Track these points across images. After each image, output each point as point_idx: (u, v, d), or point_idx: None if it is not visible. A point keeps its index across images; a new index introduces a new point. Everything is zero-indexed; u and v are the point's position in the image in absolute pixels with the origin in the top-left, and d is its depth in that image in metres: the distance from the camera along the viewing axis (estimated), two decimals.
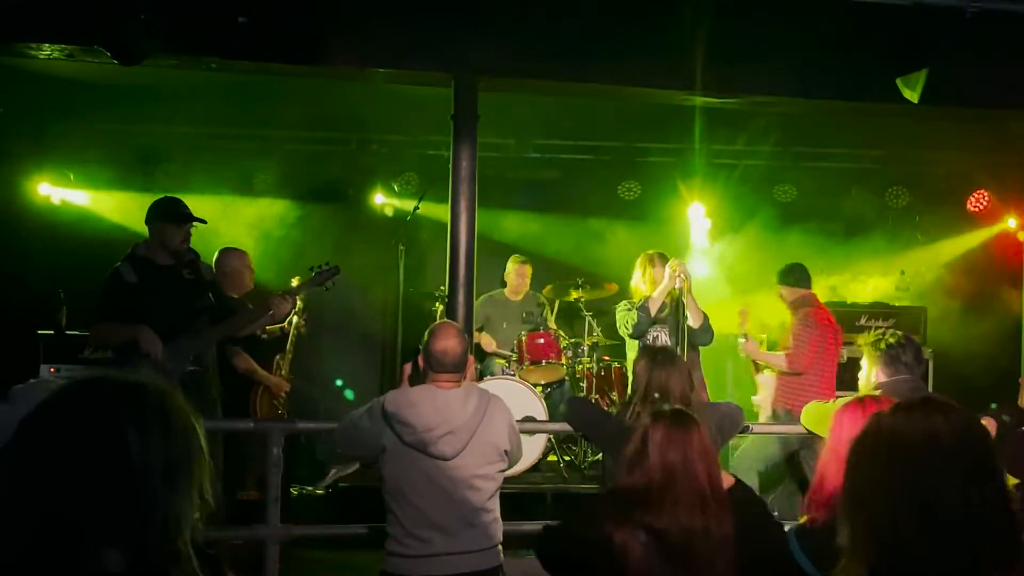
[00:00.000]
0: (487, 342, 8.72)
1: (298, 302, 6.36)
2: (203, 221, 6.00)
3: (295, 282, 6.57)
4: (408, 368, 4.38)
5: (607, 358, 8.80)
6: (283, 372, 7.01)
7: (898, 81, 5.88)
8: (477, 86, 6.03)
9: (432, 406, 4.03)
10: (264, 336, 6.99)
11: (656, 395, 4.26)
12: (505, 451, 4.22)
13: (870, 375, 4.60)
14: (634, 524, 2.98)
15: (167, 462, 1.66)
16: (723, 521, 2.95)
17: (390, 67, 6.01)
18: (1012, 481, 4.55)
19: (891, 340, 4.68)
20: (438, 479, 4.01)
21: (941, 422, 1.82)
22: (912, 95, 5.80)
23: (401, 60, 5.97)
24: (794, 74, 6.38)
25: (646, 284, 7.01)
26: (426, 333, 4.26)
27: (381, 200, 9.96)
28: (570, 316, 9.43)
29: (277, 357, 7.02)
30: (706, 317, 6.74)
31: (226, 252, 7.05)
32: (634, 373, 4.47)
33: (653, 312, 6.70)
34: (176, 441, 1.69)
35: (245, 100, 8.44)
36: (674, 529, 2.92)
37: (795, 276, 7.14)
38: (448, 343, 4.15)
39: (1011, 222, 9.76)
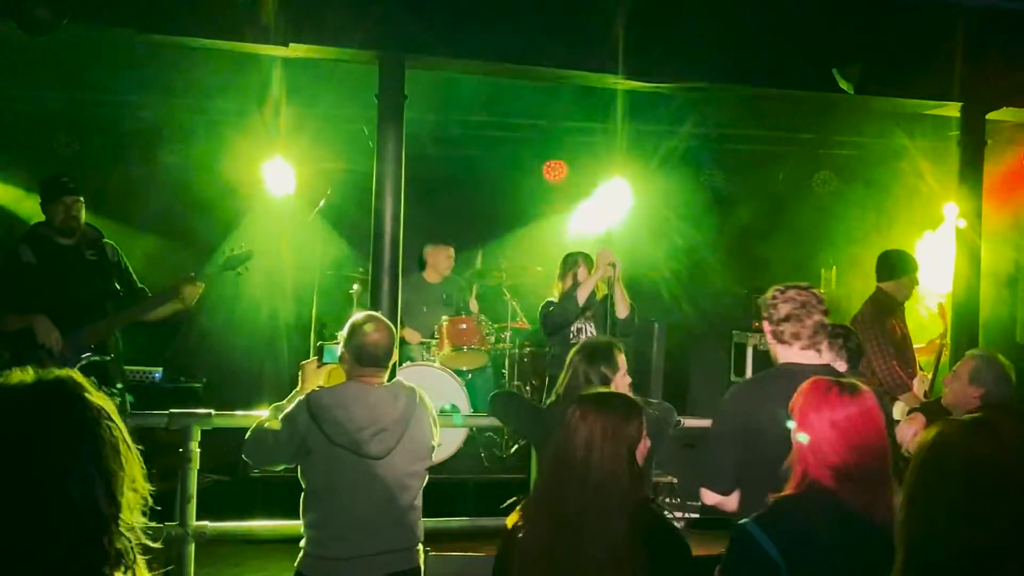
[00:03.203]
0: (411, 336, 8.70)
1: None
2: (79, 194, 5.84)
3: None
4: (311, 364, 4.35)
5: (529, 344, 8.89)
6: None
7: (834, 72, 6.03)
8: (404, 65, 6.00)
9: (362, 405, 4.03)
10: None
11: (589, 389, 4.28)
12: (431, 447, 4.26)
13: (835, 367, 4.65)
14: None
15: (99, 466, 1.66)
16: (612, 517, 2.88)
17: (313, 44, 5.95)
18: None
19: (849, 332, 4.79)
20: (368, 480, 4.02)
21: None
22: (847, 86, 5.97)
23: (326, 38, 5.91)
24: (720, 60, 6.48)
25: (569, 284, 7.08)
26: (349, 326, 4.23)
27: (294, 177, 9.82)
28: (493, 300, 9.46)
29: None
30: (633, 308, 6.82)
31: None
32: (569, 366, 4.48)
33: (582, 301, 6.75)
34: (101, 442, 1.68)
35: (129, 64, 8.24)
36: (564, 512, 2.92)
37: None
38: (378, 336, 4.15)
39: (948, 209, 10.02)
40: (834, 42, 6.25)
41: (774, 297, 4.08)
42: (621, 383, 4.37)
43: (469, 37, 6.10)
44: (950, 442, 1.92)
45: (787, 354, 4.05)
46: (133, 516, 1.73)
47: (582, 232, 9.60)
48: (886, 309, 6.69)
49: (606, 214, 9.35)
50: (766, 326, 4.09)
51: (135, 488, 1.73)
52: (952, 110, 7.05)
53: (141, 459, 1.76)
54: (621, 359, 4.44)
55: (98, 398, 1.73)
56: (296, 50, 5.97)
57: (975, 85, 6.59)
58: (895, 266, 6.82)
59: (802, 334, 4.01)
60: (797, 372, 3.85)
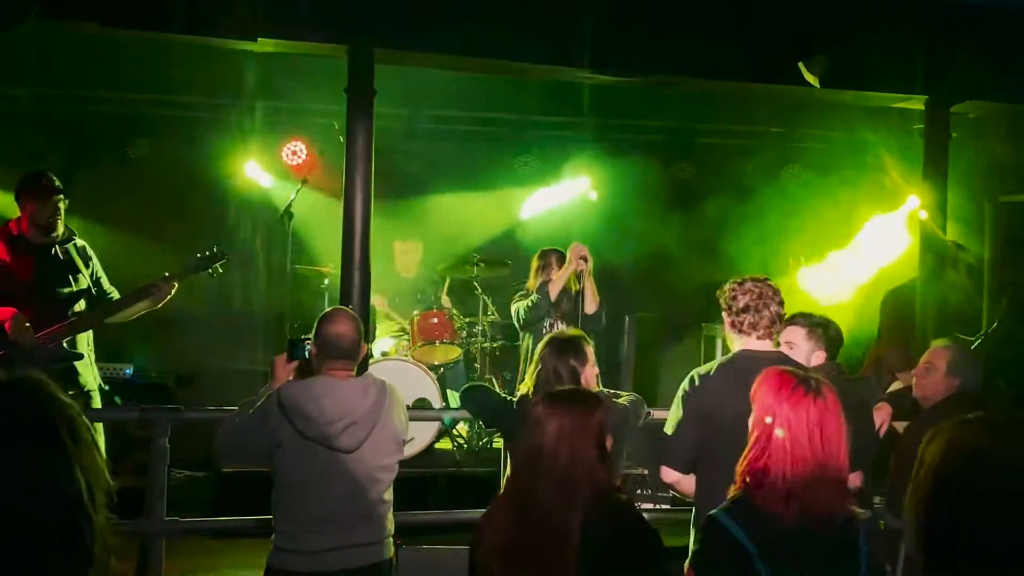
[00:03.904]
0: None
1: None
2: (62, 193, 5.85)
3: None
4: (282, 360, 4.38)
5: (501, 338, 8.93)
6: None
7: (800, 65, 6.10)
8: (373, 58, 6.01)
9: (333, 398, 4.05)
10: None
11: (558, 382, 4.34)
12: (403, 441, 4.29)
13: (810, 359, 4.68)
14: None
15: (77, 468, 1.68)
16: (579, 508, 2.92)
17: (282, 38, 5.95)
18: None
19: (828, 322, 4.83)
20: (339, 473, 4.04)
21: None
22: (813, 80, 6.04)
23: (293, 30, 5.92)
24: (687, 54, 6.53)
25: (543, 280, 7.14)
26: (317, 321, 4.27)
27: (264, 171, 9.81)
28: (464, 294, 9.49)
29: None
30: (602, 304, 6.88)
31: None
32: (538, 360, 4.54)
33: (553, 296, 6.81)
34: (79, 442, 1.71)
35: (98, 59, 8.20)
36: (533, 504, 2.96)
37: None
38: (341, 327, 4.18)
39: (910, 201, 10.12)
40: (800, 36, 6.32)
41: (733, 289, 4.28)
42: (590, 374, 4.45)
43: (438, 31, 6.12)
44: (977, 450, 1.93)
45: (745, 343, 4.24)
46: (102, 514, 1.75)
47: (549, 225, 9.66)
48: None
49: (568, 207, 9.43)
50: (725, 316, 4.26)
51: (102, 487, 1.75)
52: (917, 103, 7.15)
53: (106, 458, 1.79)
54: (589, 351, 4.52)
55: (67, 397, 1.75)
56: (265, 44, 5.97)
57: (939, 79, 6.68)
58: None
59: (759, 324, 4.20)
60: (755, 360, 4.06)
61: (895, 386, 6.12)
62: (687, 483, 4.22)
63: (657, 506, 6.92)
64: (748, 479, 3.03)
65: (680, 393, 4.30)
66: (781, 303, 4.28)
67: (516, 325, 7.31)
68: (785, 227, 10.24)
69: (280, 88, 9.30)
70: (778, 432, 3.03)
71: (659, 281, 9.60)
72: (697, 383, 4.26)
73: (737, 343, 4.29)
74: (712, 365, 4.35)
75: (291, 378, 4.30)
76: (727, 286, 4.32)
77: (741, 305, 4.22)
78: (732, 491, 3.08)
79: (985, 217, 9.73)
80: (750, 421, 3.14)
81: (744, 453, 3.10)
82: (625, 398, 4.72)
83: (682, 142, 10.51)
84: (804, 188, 10.56)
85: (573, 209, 9.93)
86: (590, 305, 6.78)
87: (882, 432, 5.04)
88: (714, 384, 4.18)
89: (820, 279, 9.35)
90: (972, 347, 7.31)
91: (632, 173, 9.77)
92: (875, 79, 6.71)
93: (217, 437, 4.22)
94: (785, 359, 4.27)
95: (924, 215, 7.06)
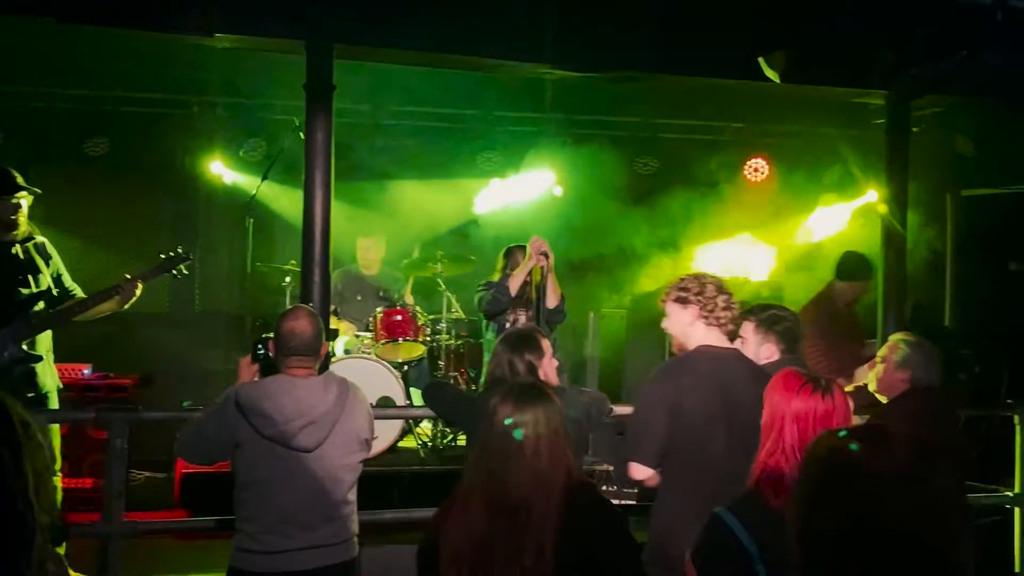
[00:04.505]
0: (346, 327, 8.71)
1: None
2: (25, 190, 5.80)
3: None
4: (246, 360, 4.37)
5: (465, 334, 8.94)
6: None
7: (760, 60, 6.15)
8: (332, 54, 5.99)
9: (291, 397, 4.04)
10: None
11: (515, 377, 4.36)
12: (366, 440, 4.29)
13: (759, 352, 4.70)
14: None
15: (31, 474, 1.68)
16: (549, 506, 2.94)
17: (238, 33, 5.91)
18: None
19: (782, 313, 4.79)
20: (299, 472, 4.03)
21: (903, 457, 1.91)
22: (773, 75, 6.09)
23: (251, 27, 5.88)
24: (648, 49, 6.55)
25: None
26: (276, 318, 4.28)
27: (223, 169, 9.77)
28: (428, 291, 9.49)
29: None
30: (563, 298, 6.92)
31: None
32: (493, 355, 4.57)
33: (513, 291, 6.85)
34: (33, 448, 1.71)
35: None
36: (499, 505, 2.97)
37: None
38: (298, 323, 4.17)
39: (872, 195, 10.23)
40: (760, 31, 6.36)
41: (702, 282, 4.28)
42: (548, 367, 4.47)
43: (399, 26, 6.09)
44: (841, 457, 1.95)
45: (706, 337, 4.26)
46: (51, 517, 1.75)
47: (513, 221, 9.68)
48: (830, 304, 6.91)
49: (532, 203, 9.44)
50: (695, 310, 4.25)
51: (49, 492, 1.76)
52: (877, 98, 7.22)
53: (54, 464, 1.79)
54: (545, 344, 4.54)
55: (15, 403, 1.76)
56: (222, 40, 5.93)
57: (900, 73, 6.74)
58: (853, 270, 7.07)
59: (725, 318, 4.26)
60: (717, 357, 4.17)
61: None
62: (655, 477, 4.23)
63: (622, 502, 6.95)
64: (760, 478, 3.05)
65: (645, 388, 4.33)
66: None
67: (481, 314, 7.35)
68: (750, 222, 10.34)
69: (241, 84, 9.26)
70: (787, 430, 3.06)
71: (623, 277, 9.64)
72: (662, 377, 4.30)
73: (699, 337, 4.29)
74: (675, 361, 4.38)
75: (255, 378, 4.31)
76: (697, 281, 4.34)
77: (722, 303, 4.26)
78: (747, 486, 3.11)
79: (947, 210, 9.84)
80: (762, 420, 3.17)
81: (758, 452, 3.12)
82: (589, 395, 4.76)
83: (645, 137, 10.56)
84: (769, 182, 10.66)
85: (537, 205, 9.94)
86: (551, 299, 6.82)
87: None
88: (678, 380, 4.20)
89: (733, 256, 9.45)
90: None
91: (596, 168, 9.79)
92: (835, 74, 6.76)
93: (179, 438, 4.25)
94: (741, 355, 4.35)
95: (883, 209, 7.13)
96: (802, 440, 2.98)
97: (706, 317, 4.26)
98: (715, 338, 4.27)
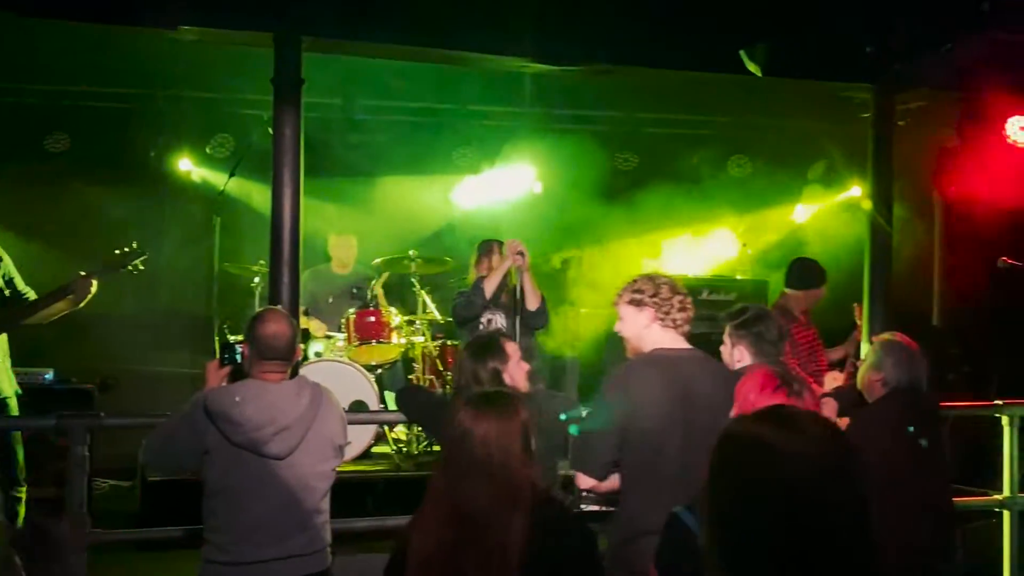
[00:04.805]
0: (316, 327, 8.69)
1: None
2: None
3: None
4: (214, 365, 4.34)
5: (442, 336, 8.91)
6: None
7: (741, 53, 6.16)
8: (300, 47, 5.96)
9: (262, 402, 4.01)
10: None
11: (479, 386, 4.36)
12: (340, 446, 4.27)
13: (732, 354, 4.72)
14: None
15: None
16: (512, 518, 2.93)
17: (203, 26, 5.87)
18: None
19: (754, 316, 4.79)
20: (271, 480, 4.01)
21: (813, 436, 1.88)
22: (755, 68, 6.10)
23: (216, 19, 5.84)
24: (628, 42, 6.56)
25: (484, 271, 7.16)
26: (249, 320, 4.25)
27: (189, 165, 9.71)
28: (403, 292, 9.46)
29: None
30: (543, 300, 6.91)
31: None
32: (457, 363, 4.58)
33: (488, 293, 6.84)
34: None
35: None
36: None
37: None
38: (278, 327, 4.15)
39: (855, 190, 10.27)
40: (742, 23, 6.38)
41: (657, 284, 4.32)
42: (516, 372, 4.46)
43: (370, 17, 6.08)
44: (749, 440, 1.91)
45: (663, 339, 4.29)
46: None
47: (490, 218, 9.67)
48: (788, 314, 6.92)
49: (510, 200, 9.42)
50: (651, 311, 4.27)
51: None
52: (864, 92, 7.24)
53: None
54: (511, 347, 4.54)
55: None
56: (186, 33, 5.89)
57: (885, 67, 6.77)
58: (805, 278, 7.07)
59: (681, 320, 4.29)
60: (676, 359, 4.21)
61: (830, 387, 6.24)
62: (604, 486, 4.26)
63: (603, 508, 6.93)
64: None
65: (601, 394, 4.34)
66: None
67: (455, 322, 7.33)
68: (733, 218, 10.35)
69: (207, 78, 9.20)
70: None
71: (605, 276, 9.62)
72: (619, 381, 4.30)
73: (654, 339, 4.31)
74: (630, 365, 4.38)
75: (224, 383, 4.28)
76: (643, 279, 4.38)
77: (678, 304, 4.28)
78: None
79: (935, 206, 9.89)
80: (731, 416, 3.17)
81: None
82: (561, 399, 4.76)
83: (626, 132, 10.56)
84: (752, 177, 10.68)
85: (514, 202, 9.92)
86: (531, 301, 6.80)
87: None
88: (633, 385, 4.21)
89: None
90: None
91: (575, 164, 9.79)
92: (819, 67, 6.79)
93: (146, 445, 4.21)
94: (700, 356, 4.36)
95: (868, 204, 7.15)
96: None
97: (662, 319, 4.29)
98: (671, 340, 4.29)
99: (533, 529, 2.93)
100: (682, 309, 4.29)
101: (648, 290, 4.30)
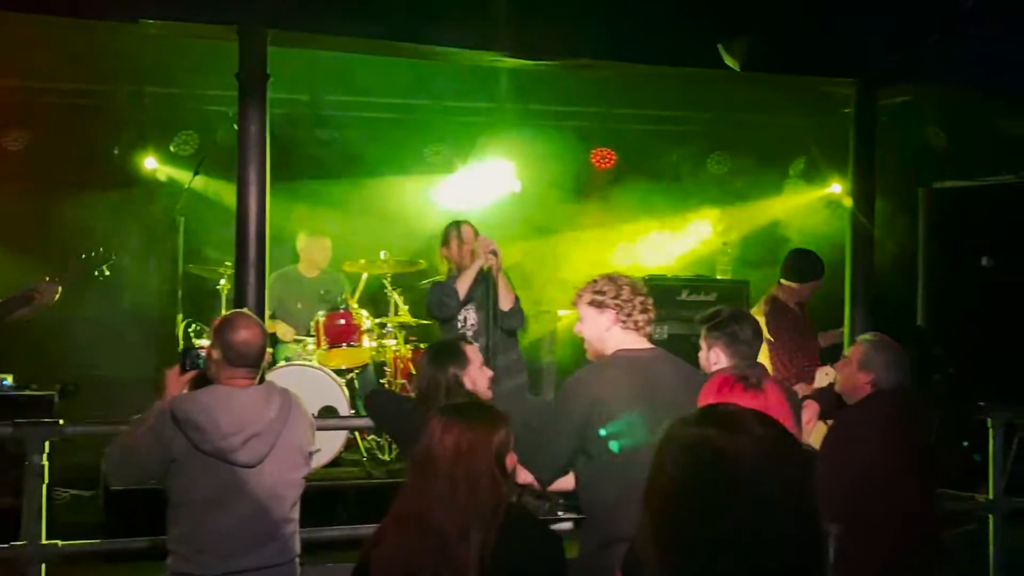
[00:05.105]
0: (284, 331, 8.65)
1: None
2: None
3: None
4: (173, 372, 4.30)
5: (414, 339, 8.89)
6: None
7: (720, 48, 6.17)
8: (266, 41, 5.93)
9: (231, 409, 3.98)
10: None
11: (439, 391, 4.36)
12: (309, 453, 4.26)
13: (708, 357, 4.69)
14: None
15: None
16: (476, 533, 2.92)
17: (166, 19, 5.83)
18: None
19: (727, 316, 4.75)
20: (240, 489, 3.98)
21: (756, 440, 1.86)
22: (733, 63, 6.12)
23: (178, 11, 5.80)
24: (608, 37, 6.57)
25: (451, 257, 7.13)
26: (217, 325, 4.21)
27: (154, 164, 9.65)
28: (374, 294, 9.43)
29: None
30: (517, 299, 6.90)
31: None
32: (418, 369, 4.57)
33: (462, 295, 6.82)
34: None
35: None
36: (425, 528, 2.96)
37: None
38: (250, 334, 4.12)
39: (835, 187, 10.32)
40: (721, 17, 6.39)
41: (618, 284, 4.33)
42: (478, 377, 4.47)
43: (337, 11, 6.05)
44: (689, 440, 1.90)
45: (624, 340, 4.29)
46: None
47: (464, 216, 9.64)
48: (783, 307, 6.95)
49: (485, 197, 9.40)
50: (611, 313, 4.29)
51: None
52: (844, 87, 7.27)
53: None
54: (471, 351, 4.55)
55: None
56: (148, 26, 5.84)
57: (867, 62, 6.80)
58: (804, 269, 7.09)
59: (643, 321, 4.31)
60: (638, 360, 4.23)
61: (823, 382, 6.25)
62: (556, 485, 4.31)
63: (580, 515, 6.93)
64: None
65: (562, 397, 4.37)
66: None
67: (430, 315, 7.29)
68: (713, 215, 10.39)
69: (171, 72, 9.14)
70: None
71: (581, 276, 9.64)
72: (579, 384, 4.31)
73: (617, 341, 4.31)
74: (590, 368, 4.39)
75: (185, 391, 4.24)
76: (604, 279, 4.37)
77: (639, 305, 4.30)
78: None
79: (919, 203, 9.96)
80: None
81: None
82: (533, 402, 4.76)
83: (605, 128, 10.56)
84: (732, 174, 10.72)
85: (491, 200, 9.90)
86: (505, 301, 6.79)
87: (808, 429, 5.12)
88: (597, 384, 4.22)
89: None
90: None
91: (552, 162, 9.79)
92: (800, 62, 6.82)
93: (108, 456, 4.17)
94: (664, 356, 4.38)
95: (850, 201, 7.19)
96: None
97: (624, 321, 4.30)
98: (633, 341, 4.30)
99: (500, 541, 2.92)
100: (644, 310, 4.30)
101: (610, 291, 4.30)
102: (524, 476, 4.23)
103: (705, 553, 1.79)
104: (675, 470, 1.89)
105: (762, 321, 6.71)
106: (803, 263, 7.15)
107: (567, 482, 4.28)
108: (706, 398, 3.13)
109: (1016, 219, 9.02)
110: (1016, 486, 6.90)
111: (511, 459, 3.10)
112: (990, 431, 6.77)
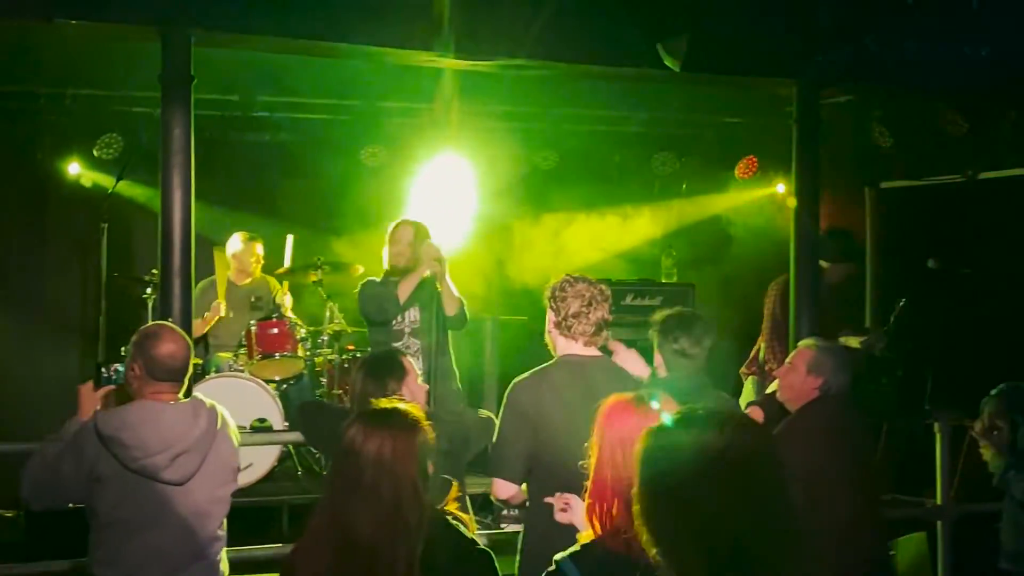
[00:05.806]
0: (198, 326, 8.56)
1: None
2: None
3: None
4: (87, 388, 4.27)
5: (352, 347, 8.87)
6: None
7: (659, 47, 6.23)
8: (190, 42, 5.90)
9: (158, 425, 3.97)
10: None
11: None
12: (236, 469, 4.26)
13: (656, 359, 4.80)
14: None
15: None
16: (408, 539, 2.91)
17: (80, 19, 5.76)
18: None
19: (673, 324, 4.82)
20: (167, 508, 3.98)
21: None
22: (673, 63, 6.19)
23: (95, 11, 5.74)
24: (543, 36, 6.59)
25: (392, 257, 7.14)
26: (138, 337, 4.18)
27: (78, 169, 9.54)
28: (307, 301, 9.41)
29: None
30: (462, 304, 6.94)
31: None
32: (351, 382, 4.58)
33: (403, 299, 6.85)
34: None
35: None
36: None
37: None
38: (175, 347, 4.11)
39: (779, 187, 10.44)
40: (661, 17, 6.45)
41: (563, 290, 4.41)
42: (416, 389, 4.48)
43: (264, 11, 6.02)
44: (671, 445, 1.99)
45: (569, 346, 4.40)
46: None
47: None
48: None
49: (423, 201, 9.40)
50: (551, 317, 4.37)
51: None
52: (787, 87, 7.37)
53: None
54: (408, 363, 4.56)
55: None
56: (63, 26, 5.78)
57: (809, 62, 6.90)
58: (847, 250, 7.17)
59: (587, 330, 4.37)
60: (580, 365, 4.34)
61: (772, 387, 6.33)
62: (519, 495, 4.35)
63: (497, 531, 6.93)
64: (595, 519, 3.06)
65: (507, 401, 4.41)
66: (610, 308, 4.46)
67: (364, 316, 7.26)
68: (656, 218, 10.48)
69: (93, 73, 9.05)
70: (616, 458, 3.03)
71: (521, 281, 9.68)
72: (522, 389, 4.40)
73: (561, 346, 4.42)
74: (536, 371, 4.45)
75: (99, 407, 4.21)
76: (556, 284, 4.46)
77: (572, 310, 4.36)
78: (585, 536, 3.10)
79: (866, 203, 10.11)
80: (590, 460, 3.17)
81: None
82: (471, 416, 4.80)
83: (545, 129, 10.60)
84: (675, 176, 10.81)
85: (428, 203, 9.90)
86: (449, 307, 6.84)
87: None
88: (539, 389, 4.32)
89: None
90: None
91: (492, 164, 9.81)
92: (740, 62, 6.89)
93: (25, 478, 4.12)
94: (611, 364, 4.48)
95: (794, 202, 7.28)
96: (625, 466, 2.92)
97: (558, 325, 4.40)
98: (578, 348, 4.39)
99: (426, 556, 2.90)
100: (577, 315, 4.36)
101: (556, 296, 4.41)
102: (503, 490, 4.31)
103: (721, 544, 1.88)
104: (654, 478, 1.98)
105: (769, 297, 6.92)
106: (845, 241, 7.19)
107: (521, 495, 4.33)
108: (598, 430, 3.17)
109: (962, 219, 9.20)
110: (968, 490, 7.01)
111: (431, 466, 3.07)
112: (937, 436, 6.89)
